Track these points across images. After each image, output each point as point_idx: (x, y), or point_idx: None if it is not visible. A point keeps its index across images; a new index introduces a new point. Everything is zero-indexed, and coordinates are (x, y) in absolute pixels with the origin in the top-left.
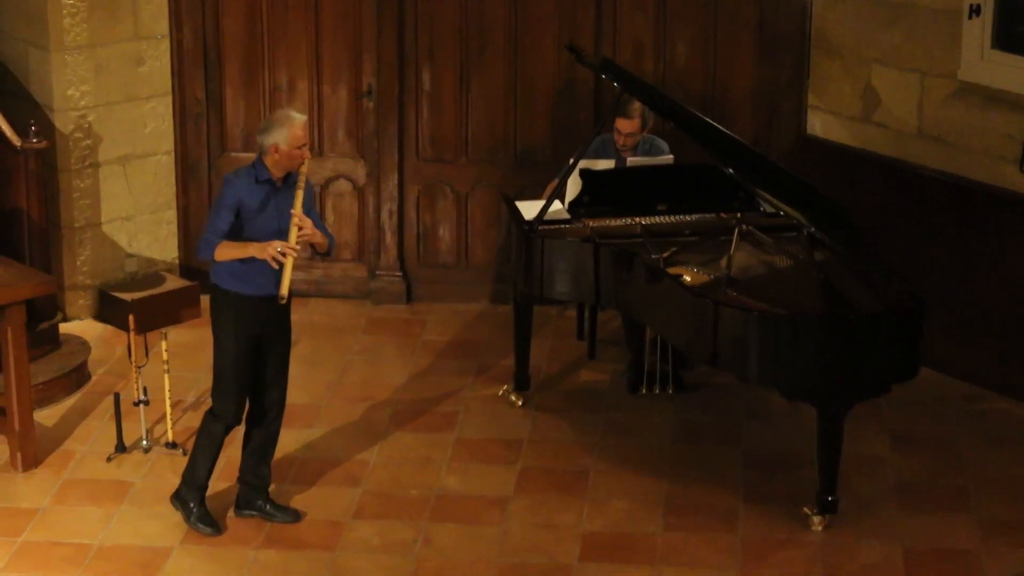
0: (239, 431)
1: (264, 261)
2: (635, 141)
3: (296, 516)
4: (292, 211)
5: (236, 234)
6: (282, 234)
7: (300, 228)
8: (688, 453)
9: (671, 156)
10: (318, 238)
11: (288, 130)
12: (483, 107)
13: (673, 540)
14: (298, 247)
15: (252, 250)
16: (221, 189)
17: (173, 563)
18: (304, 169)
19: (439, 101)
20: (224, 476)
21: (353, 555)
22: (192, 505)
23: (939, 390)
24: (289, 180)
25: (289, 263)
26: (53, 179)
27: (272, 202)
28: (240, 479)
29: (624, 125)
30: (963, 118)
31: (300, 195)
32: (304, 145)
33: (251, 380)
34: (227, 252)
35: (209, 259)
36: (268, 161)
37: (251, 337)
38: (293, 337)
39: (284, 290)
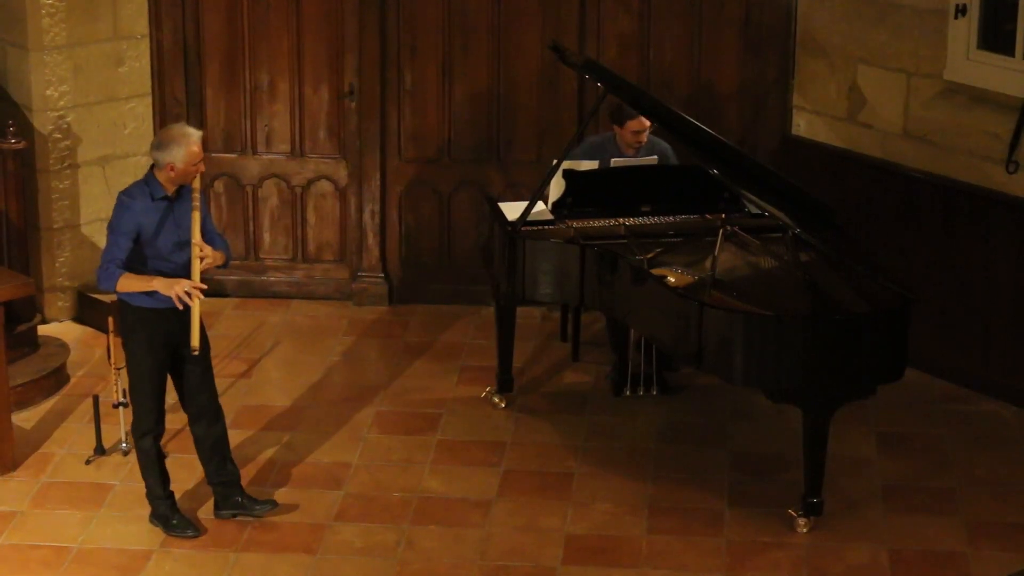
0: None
1: (169, 272)
2: (646, 139)
3: (274, 504)
4: (193, 240)
5: (134, 255)
6: (182, 247)
7: (202, 258)
8: (673, 455)
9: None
10: (218, 260)
11: (185, 148)
12: (466, 107)
13: (658, 543)
14: (204, 286)
15: (157, 284)
16: (116, 213)
17: (153, 566)
18: (197, 184)
19: (422, 101)
20: (199, 477)
21: (335, 558)
22: (167, 516)
23: (925, 391)
24: (183, 191)
25: (196, 307)
26: (32, 180)
27: (169, 219)
28: (209, 482)
29: (637, 124)
30: (949, 118)
31: (198, 218)
32: (200, 161)
33: (164, 388)
34: (130, 284)
35: (111, 291)
36: (161, 177)
37: (165, 346)
38: (274, 339)
39: (195, 341)
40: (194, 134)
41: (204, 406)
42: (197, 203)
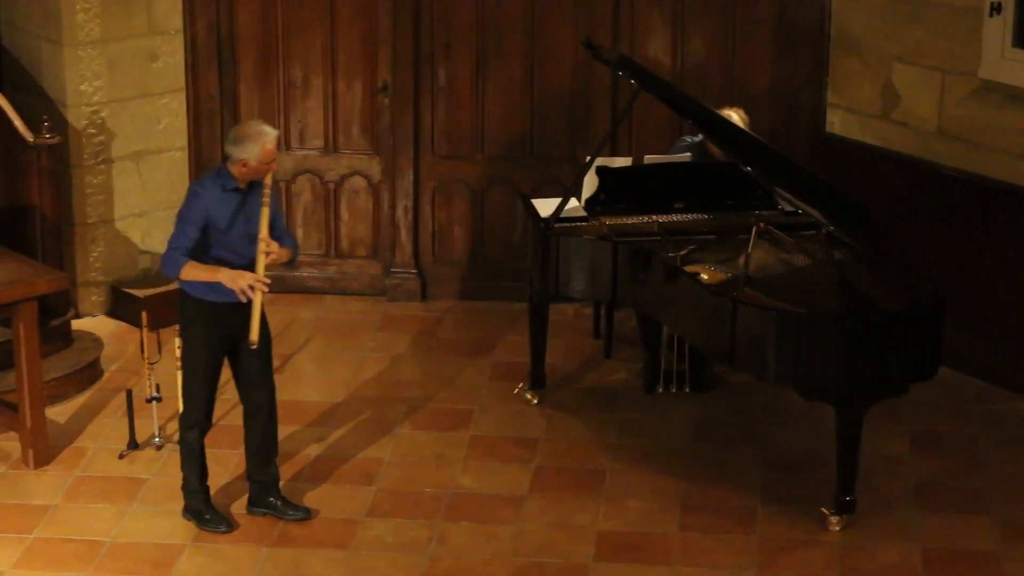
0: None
1: (234, 264)
2: None
3: (308, 513)
4: (260, 236)
5: (204, 246)
6: (254, 240)
7: (268, 254)
8: (705, 453)
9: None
10: (284, 257)
11: (260, 147)
12: (499, 104)
13: (689, 540)
14: (268, 280)
15: (222, 276)
16: (186, 201)
17: (185, 561)
18: (269, 181)
19: (455, 97)
20: (235, 472)
21: (367, 553)
22: (200, 510)
23: (959, 390)
24: (255, 185)
25: (258, 300)
26: (66, 175)
27: (242, 210)
28: (248, 477)
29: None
30: (984, 116)
31: (267, 214)
32: (273, 160)
33: (216, 384)
34: (195, 273)
35: (173, 277)
36: (233, 171)
37: (223, 341)
38: (307, 335)
39: (255, 335)
40: (270, 132)
41: (261, 402)
42: (267, 199)
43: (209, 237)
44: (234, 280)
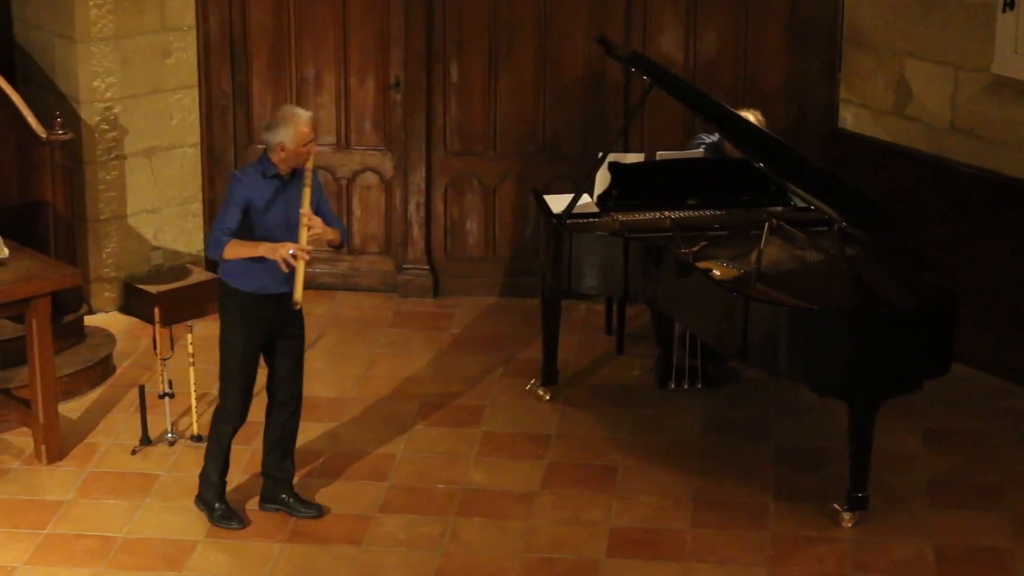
0: (257, 425)
1: (274, 261)
2: None
3: (320, 511)
4: (301, 210)
5: (245, 231)
6: (291, 229)
7: (310, 228)
8: (717, 449)
9: None
10: (329, 235)
11: (294, 128)
12: (512, 99)
13: (702, 536)
14: (310, 248)
15: (263, 250)
16: (229, 186)
17: (198, 557)
18: (310, 165)
19: (467, 93)
20: (248, 469)
21: (379, 549)
22: (212, 503)
23: (971, 386)
24: (297, 174)
25: (301, 267)
26: (79, 171)
27: (280, 197)
28: (263, 473)
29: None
30: (996, 112)
31: (308, 193)
32: (310, 141)
33: (255, 378)
34: (237, 251)
35: (218, 257)
36: (274, 158)
37: (261, 334)
38: (319, 331)
39: (298, 295)
40: (303, 115)
41: (287, 398)
42: (309, 180)
43: (250, 223)
44: (275, 250)
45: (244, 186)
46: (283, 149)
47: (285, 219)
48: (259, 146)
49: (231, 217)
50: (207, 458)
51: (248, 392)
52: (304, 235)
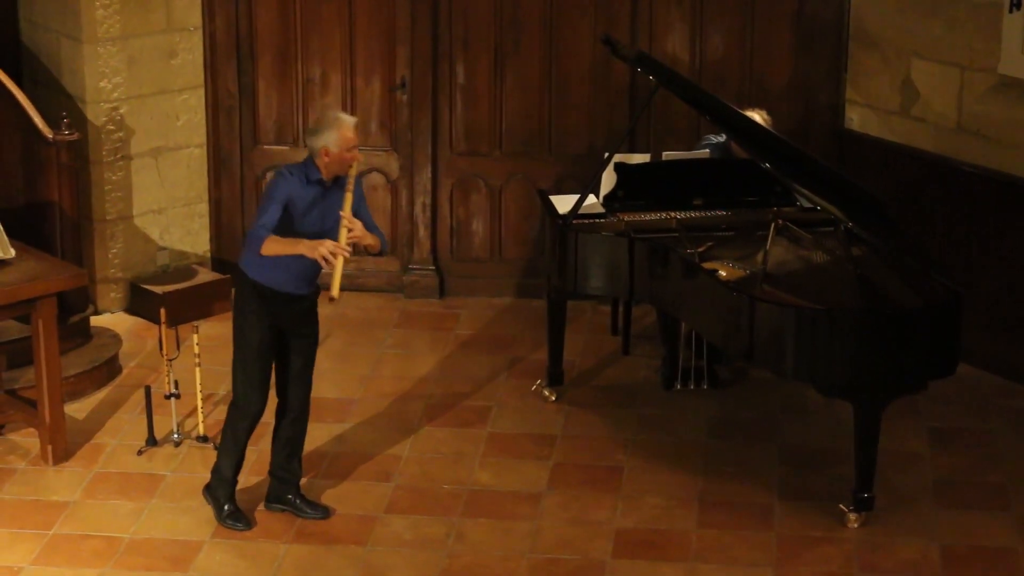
0: (267, 425)
1: (297, 263)
2: None
3: (326, 512)
4: (341, 212)
5: (282, 230)
6: (325, 235)
7: (350, 230)
8: (723, 449)
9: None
10: (368, 239)
11: (338, 132)
12: (518, 100)
13: (708, 537)
14: (348, 248)
15: (303, 248)
16: (273, 181)
17: (204, 557)
18: (353, 171)
19: (473, 94)
20: (255, 470)
21: (385, 550)
22: (222, 502)
23: (978, 386)
24: (339, 182)
25: (340, 263)
26: (85, 171)
27: (319, 204)
28: (271, 473)
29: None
30: (1003, 113)
31: (349, 197)
32: (355, 147)
33: (271, 371)
34: (276, 247)
35: (256, 253)
36: (319, 162)
37: (276, 327)
38: (325, 331)
39: (335, 291)
40: (348, 120)
41: (295, 400)
42: (351, 185)
43: (286, 223)
44: (314, 248)
45: (288, 183)
46: (327, 154)
47: (320, 225)
48: (264, 147)
49: (272, 214)
50: (221, 454)
51: (265, 385)
52: (343, 236)
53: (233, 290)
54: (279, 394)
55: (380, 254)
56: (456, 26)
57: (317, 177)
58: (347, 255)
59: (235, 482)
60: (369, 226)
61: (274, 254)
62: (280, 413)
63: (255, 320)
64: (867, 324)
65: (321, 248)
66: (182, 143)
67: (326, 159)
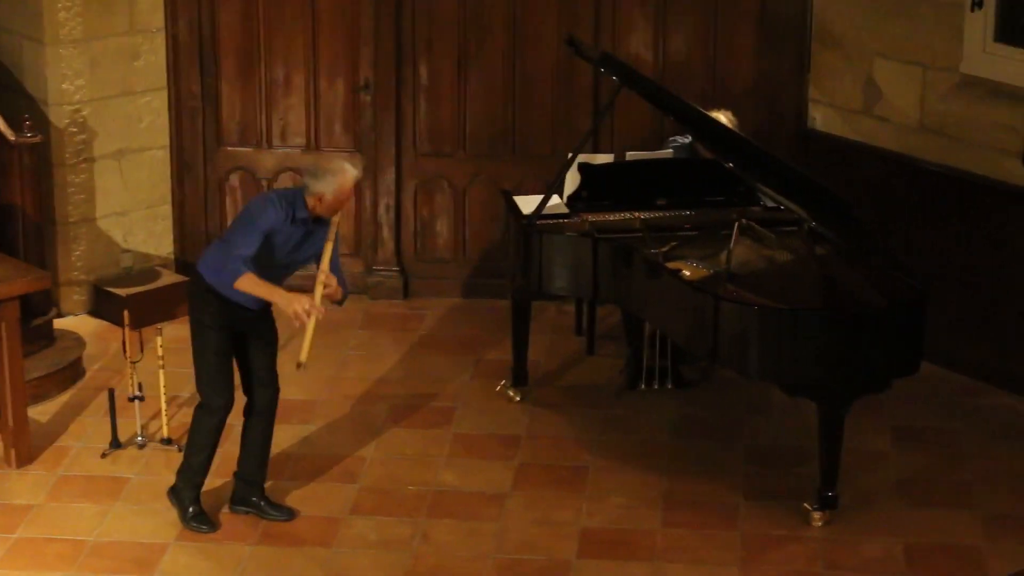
0: (232, 427)
1: (269, 273)
2: None
3: (291, 514)
4: (320, 267)
5: (254, 255)
6: (291, 267)
7: (326, 286)
8: (688, 449)
9: None
10: (338, 295)
11: (340, 184)
12: (481, 101)
13: (673, 536)
14: (323, 310)
15: (277, 298)
16: (260, 206)
17: (169, 559)
18: (337, 219)
19: (437, 95)
20: (220, 472)
21: (350, 551)
22: (187, 503)
23: (941, 385)
24: (320, 220)
25: (311, 325)
26: (47, 174)
27: (297, 238)
28: (236, 475)
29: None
30: (965, 111)
31: (330, 248)
32: (348, 198)
33: (232, 370)
34: (250, 287)
35: (229, 286)
36: (309, 203)
37: (233, 331)
38: (290, 333)
39: (304, 356)
40: (352, 172)
41: (261, 399)
42: (333, 236)
43: (260, 248)
44: (289, 303)
45: (276, 217)
46: (321, 200)
47: (293, 258)
48: (227, 148)
49: (253, 245)
50: (192, 452)
51: (229, 384)
52: (319, 293)
53: (188, 291)
54: (246, 393)
55: (340, 303)
56: (420, 27)
57: (304, 216)
58: (320, 315)
59: (201, 484)
60: (338, 271)
61: (246, 291)
62: (247, 412)
63: (211, 322)
64: (831, 323)
65: (296, 305)
66: (145, 145)
67: (318, 204)
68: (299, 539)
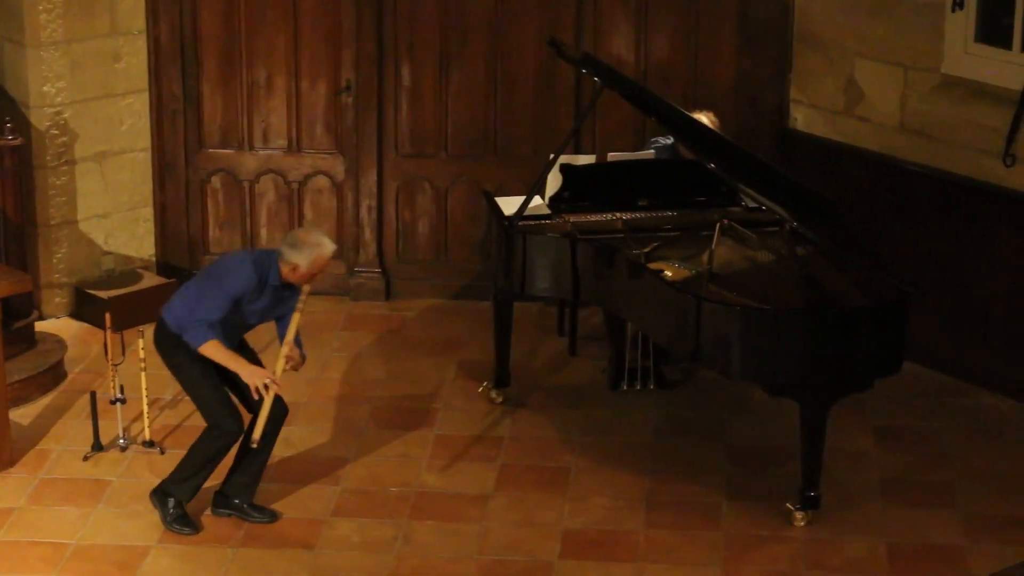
0: None
1: (229, 331)
2: None
3: (273, 516)
4: (284, 341)
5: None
6: (257, 324)
7: (289, 359)
8: (670, 449)
9: None
10: (299, 366)
11: (316, 256)
12: (463, 102)
13: (655, 537)
14: (280, 384)
15: (241, 370)
16: (233, 269)
17: (151, 562)
18: (307, 289)
19: (419, 96)
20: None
21: (333, 553)
22: (171, 507)
23: (923, 384)
24: (291, 286)
25: (269, 398)
26: (29, 176)
27: (266, 302)
28: (224, 482)
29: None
30: (946, 112)
31: (297, 319)
32: (322, 271)
33: (228, 394)
34: (215, 353)
35: (194, 346)
36: (283, 270)
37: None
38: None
39: (257, 434)
40: (329, 247)
41: (270, 432)
42: (302, 306)
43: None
44: (252, 376)
45: (247, 282)
46: (295, 270)
47: (260, 316)
48: (209, 150)
49: (218, 310)
50: (198, 472)
51: (231, 404)
52: (281, 366)
53: (156, 339)
54: (249, 410)
55: (295, 369)
56: (401, 28)
57: (276, 283)
58: (279, 388)
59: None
60: (298, 339)
61: (209, 356)
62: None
63: (186, 359)
64: (813, 323)
65: (256, 378)
66: (126, 147)
67: (292, 274)
68: (282, 541)
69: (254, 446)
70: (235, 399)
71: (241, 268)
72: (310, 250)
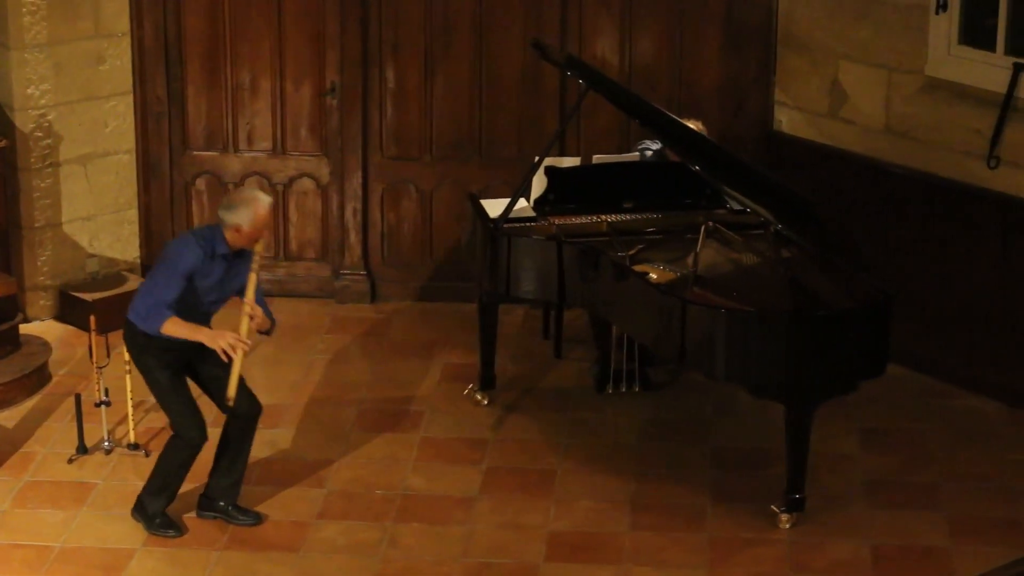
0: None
1: (188, 318)
2: None
3: (258, 519)
4: (245, 299)
5: (180, 296)
6: (219, 303)
7: (252, 318)
8: (655, 452)
9: None
10: (265, 325)
11: (254, 212)
12: (448, 104)
13: (640, 539)
14: (248, 341)
15: (202, 336)
16: (177, 250)
17: (136, 565)
18: (259, 248)
19: (403, 98)
20: (188, 478)
21: (318, 556)
22: (154, 516)
23: (908, 386)
24: (242, 253)
25: (239, 359)
26: (13, 178)
27: (220, 273)
28: (208, 484)
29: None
30: (930, 114)
31: (254, 279)
32: (267, 226)
33: (191, 396)
34: (176, 330)
35: (154, 332)
36: (228, 236)
37: (178, 361)
38: (256, 336)
39: (232, 391)
40: (264, 200)
41: (241, 406)
42: (257, 266)
43: (185, 289)
44: (215, 339)
45: (194, 257)
46: (239, 231)
47: (219, 294)
48: (193, 152)
49: (174, 290)
50: (166, 484)
51: (196, 411)
52: (245, 325)
53: (126, 340)
54: (223, 412)
55: (268, 333)
56: (386, 30)
57: (224, 252)
58: (247, 348)
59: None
60: (260, 301)
61: (172, 335)
62: (228, 420)
63: (156, 363)
64: (797, 326)
65: (221, 341)
66: (111, 149)
67: (237, 235)
68: (267, 544)
69: (229, 404)
70: (216, 399)
71: (186, 246)
72: (247, 207)
